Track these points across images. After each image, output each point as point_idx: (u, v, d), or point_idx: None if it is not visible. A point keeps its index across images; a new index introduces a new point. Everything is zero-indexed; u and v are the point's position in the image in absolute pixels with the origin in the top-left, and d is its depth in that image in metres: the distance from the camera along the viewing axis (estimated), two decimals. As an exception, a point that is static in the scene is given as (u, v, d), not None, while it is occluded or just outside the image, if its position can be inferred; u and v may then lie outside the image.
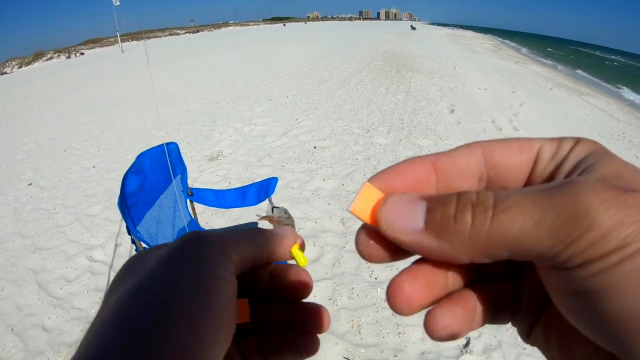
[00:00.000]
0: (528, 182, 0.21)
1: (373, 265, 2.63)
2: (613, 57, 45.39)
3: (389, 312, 2.23)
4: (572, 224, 0.16)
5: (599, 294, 0.16)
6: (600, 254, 0.15)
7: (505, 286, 0.23)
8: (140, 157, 1.83)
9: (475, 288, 0.22)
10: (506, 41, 43.89)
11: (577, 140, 0.20)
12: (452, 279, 0.22)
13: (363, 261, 2.12)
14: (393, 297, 0.20)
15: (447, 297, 0.22)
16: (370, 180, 0.21)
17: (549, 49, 40.32)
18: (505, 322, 0.23)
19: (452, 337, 0.21)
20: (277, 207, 1.69)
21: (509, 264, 0.23)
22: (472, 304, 0.22)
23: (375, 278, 2.54)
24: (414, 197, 0.20)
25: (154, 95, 6.81)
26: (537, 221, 0.16)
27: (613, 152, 0.19)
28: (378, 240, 0.21)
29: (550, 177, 0.20)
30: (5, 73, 21.91)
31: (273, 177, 2.26)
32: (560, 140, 0.20)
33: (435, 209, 0.19)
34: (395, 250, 0.21)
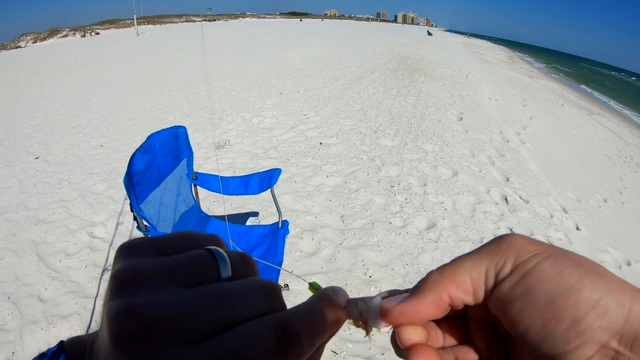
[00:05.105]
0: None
1: (368, 264, 2.65)
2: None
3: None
4: (501, 243, 0.25)
5: (524, 294, 0.23)
6: (522, 259, 0.24)
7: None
8: (151, 138, 1.85)
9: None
10: (519, 54, 43.65)
11: None
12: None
13: (359, 258, 2.14)
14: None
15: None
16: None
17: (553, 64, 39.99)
18: None
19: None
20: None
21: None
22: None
23: (370, 276, 2.56)
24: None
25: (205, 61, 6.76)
26: (478, 251, 0.26)
27: None
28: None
29: None
30: (20, 47, 22.03)
31: (277, 168, 2.28)
32: None
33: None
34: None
